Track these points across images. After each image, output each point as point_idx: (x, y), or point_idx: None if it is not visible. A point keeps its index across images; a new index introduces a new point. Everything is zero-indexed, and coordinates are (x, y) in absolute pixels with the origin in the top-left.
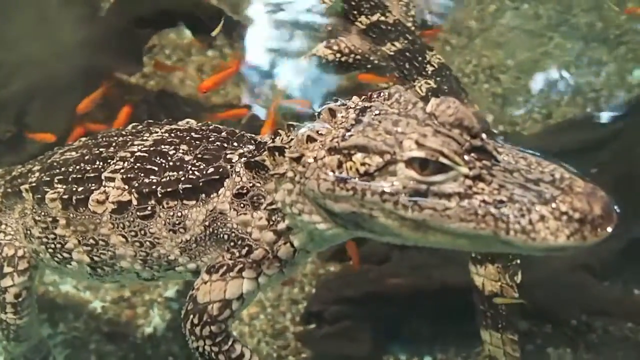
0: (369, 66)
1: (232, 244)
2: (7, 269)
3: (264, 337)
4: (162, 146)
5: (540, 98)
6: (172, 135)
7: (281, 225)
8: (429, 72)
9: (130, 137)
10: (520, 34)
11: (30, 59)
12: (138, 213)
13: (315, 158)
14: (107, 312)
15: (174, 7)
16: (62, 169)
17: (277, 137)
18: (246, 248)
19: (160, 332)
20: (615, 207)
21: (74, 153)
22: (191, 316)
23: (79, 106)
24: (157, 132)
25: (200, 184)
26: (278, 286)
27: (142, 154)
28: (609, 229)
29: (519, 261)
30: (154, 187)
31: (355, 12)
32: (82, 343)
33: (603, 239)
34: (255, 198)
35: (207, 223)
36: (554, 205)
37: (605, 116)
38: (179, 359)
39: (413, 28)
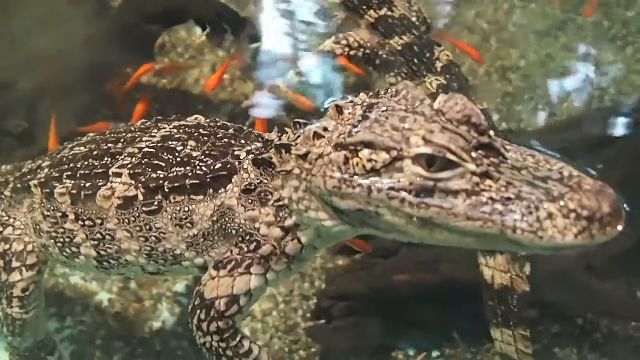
0: (377, 61)
1: (240, 239)
2: (15, 264)
3: (276, 333)
4: (170, 142)
5: (546, 97)
6: (181, 131)
7: (289, 222)
8: (439, 69)
9: (138, 133)
10: (528, 34)
11: (40, 55)
12: (144, 208)
13: (321, 155)
14: (114, 305)
15: (183, 5)
16: (71, 165)
17: (284, 135)
18: (254, 243)
19: (169, 328)
20: (625, 206)
21: (82, 149)
22: (198, 312)
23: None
24: (165, 129)
25: (208, 179)
26: (289, 282)
27: (150, 150)
28: (619, 228)
29: None
30: (161, 182)
31: (365, 7)
32: (89, 338)
33: (612, 238)
34: (263, 194)
35: (215, 218)
36: (562, 203)
37: (611, 114)
38: (189, 355)
39: (418, 23)
